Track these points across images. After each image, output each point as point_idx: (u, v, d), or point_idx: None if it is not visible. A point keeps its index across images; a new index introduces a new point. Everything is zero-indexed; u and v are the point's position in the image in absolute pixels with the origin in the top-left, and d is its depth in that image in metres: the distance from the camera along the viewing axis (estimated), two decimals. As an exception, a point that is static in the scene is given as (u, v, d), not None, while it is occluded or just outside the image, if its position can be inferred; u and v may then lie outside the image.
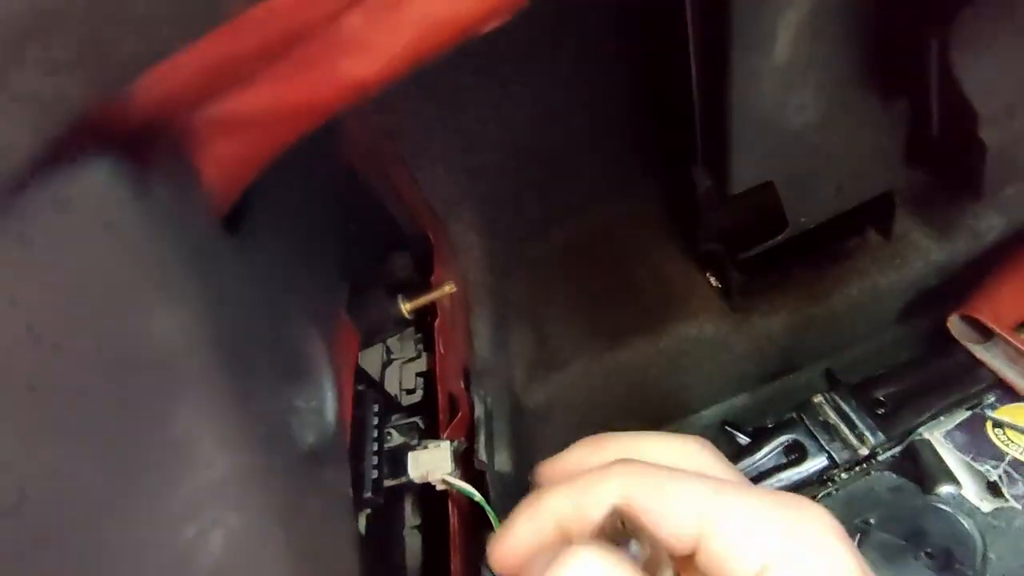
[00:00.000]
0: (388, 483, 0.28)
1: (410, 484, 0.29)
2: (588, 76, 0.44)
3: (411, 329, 0.39)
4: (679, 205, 0.52)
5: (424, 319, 0.38)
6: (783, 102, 0.33)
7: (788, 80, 0.32)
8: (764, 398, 0.62)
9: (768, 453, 0.51)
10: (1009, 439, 0.49)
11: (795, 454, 0.51)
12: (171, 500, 0.10)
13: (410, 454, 0.29)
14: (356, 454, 0.27)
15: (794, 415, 0.51)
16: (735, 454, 0.53)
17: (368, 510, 0.28)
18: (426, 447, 0.29)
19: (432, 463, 0.28)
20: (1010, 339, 0.46)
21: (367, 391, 0.29)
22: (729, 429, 0.61)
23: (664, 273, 0.53)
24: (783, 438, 0.51)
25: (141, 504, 0.10)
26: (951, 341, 0.51)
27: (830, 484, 0.53)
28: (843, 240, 0.54)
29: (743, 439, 0.57)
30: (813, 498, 0.54)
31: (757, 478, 0.51)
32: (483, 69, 0.39)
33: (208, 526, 0.10)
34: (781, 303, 0.53)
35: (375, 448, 0.27)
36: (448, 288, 0.32)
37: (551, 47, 0.41)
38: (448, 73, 0.37)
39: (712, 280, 0.55)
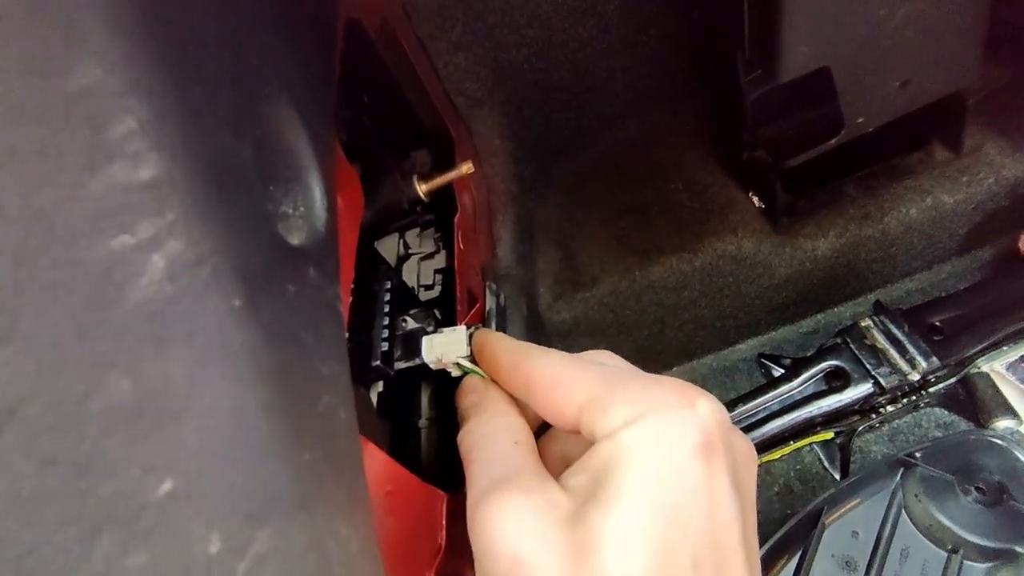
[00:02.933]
0: (400, 365, 0.27)
1: (425, 370, 0.28)
2: None
3: (431, 229, 0.37)
4: (722, 111, 0.48)
5: (444, 216, 0.36)
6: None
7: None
8: (806, 331, 0.58)
9: (807, 380, 0.48)
10: (1081, 370, 0.44)
11: (838, 381, 0.48)
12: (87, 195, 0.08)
13: (424, 338, 0.27)
14: (365, 323, 0.25)
15: (838, 340, 0.48)
16: (770, 384, 0.51)
17: (380, 387, 0.27)
18: (441, 332, 0.28)
19: (446, 346, 0.27)
20: (1093, 257, 0.41)
21: (380, 265, 0.27)
22: (766, 361, 0.58)
23: (702, 188, 0.49)
24: (825, 364, 0.48)
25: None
26: (1020, 264, 0.46)
27: (874, 416, 0.50)
28: (904, 154, 0.49)
29: (779, 371, 0.54)
30: (853, 432, 0.51)
31: (792, 407, 0.48)
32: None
33: (147, 245, 0.09)
34: (830, 224, 0.49)
35: (386, 322, 0.26)
36: (465, 168, 0.30)
37: None
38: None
39: (755, 200, 0.51)
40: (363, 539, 0.13)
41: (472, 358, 0.26)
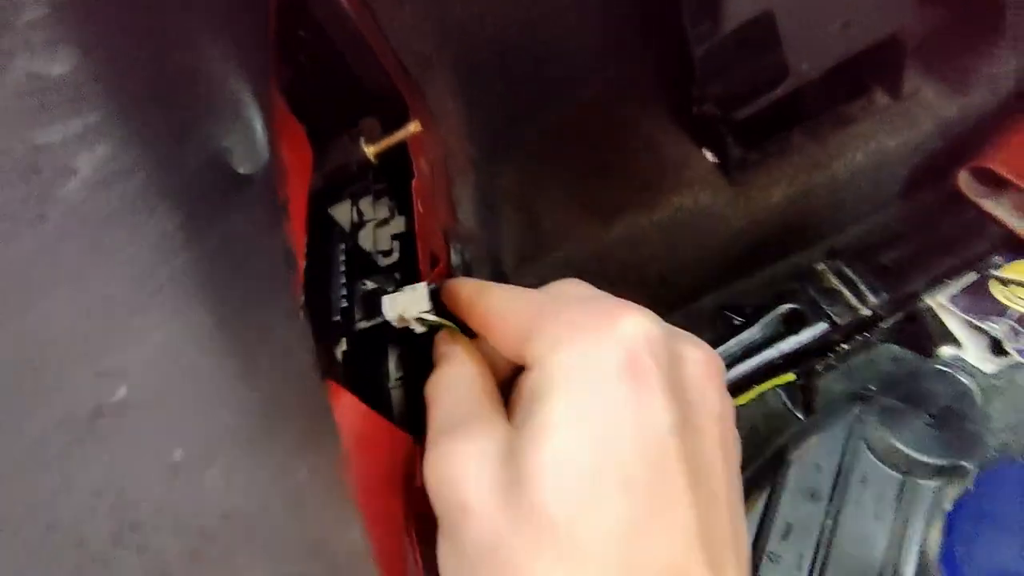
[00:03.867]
0: (363, 325, 0.27)
1: (389, 332, 0.28)
2: None
3: (385, 196, 0.36)
4: (674, 67, 0.49)
5: (398, 182, 0.36)
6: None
7: None
8: (764, 282, 0.60)
9: (766, 325, 0.50)
10: (1014, 295, 0.47)
11: (796, 324, 0.50)
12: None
13: (385, 296, 0.27)
14: (321, 284, 0.25)
15: (795, 284, 0.50)
16: (732, 333, 0.52)
17: (344, 346, 0.27)
18: (402, 290, 0.28)
19: (408, 303, 0.27)
20: (1022, 186, 0.44)
21: (334, 228, 0.27)
22: (728, 313, 0.60)
23: (658, 144, 0.50)
24: (782, 308, 0.49)
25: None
26: (960, 202, 0.49)
27: (830, 355, 0.52)
28: (847, 102, 0.51)
29: (739, 320, 0.56)
30: (812, 370, 0.53)
31: (752, 351, 0.50)
32: None
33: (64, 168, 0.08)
34: (780, 173, 0.51)
35: (343, 281, 0.26)
36: (413, 127, 0.29)
37: None
38: None
39: (708, 155, 0.52)
40: (329, 477, 0.13)
41: (434, 311, 0.27)
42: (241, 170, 0.13)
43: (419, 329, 0.27)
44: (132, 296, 0.09)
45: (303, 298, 0.18)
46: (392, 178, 0.36)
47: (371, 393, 0.30)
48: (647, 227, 0.49)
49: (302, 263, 0.19)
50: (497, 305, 0.21)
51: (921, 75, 0.50)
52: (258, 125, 0.14)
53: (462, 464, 0.17)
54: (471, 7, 0.40)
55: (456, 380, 0.22)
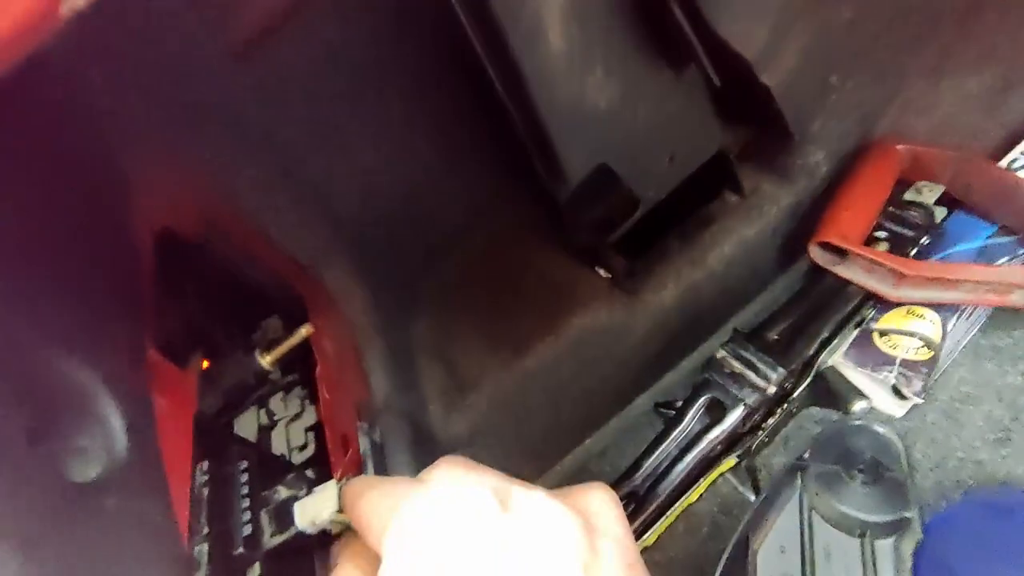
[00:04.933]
0: (276, 540, 0.27)
1: (304, 536, 0.28)
2: (422, 108, 0.47)
3: (297, 388, 0.38)
4: (548, 210, 0.55)
5: (308, 374, 0.38)
6: (580, 86, 0.37)
7: (575, 64, 0.35)
8: (688, 371, 0.63)
9: (692, 419, 0.52)
10: (895, 343, 0.52)
11: (717, 412, 0.52)
12: None
13: (296, 504, 0.27)
14: (223, 511, 0.25)
15: (705, 375, 0.53)
16: (664, 434, 0.54)
17: (257, 570, 0.27)
18: (312, 493, 0.28)
19: (317, 506, 0.27)
20: (860, 252, 0.50)
21: (232, 448, 0.28)
22: (662, 409, 0.62)
23: (550, 274, 0.54)
24: (701, 399, 0.52)
25: None
26: (821, 269, 0.55)
27: (761, 432, 0.55)
28: (704, 205, 0.58)
29: (674, 412, 0.58)
30: (749, 450, 0.55)
31: (688, 447, 0.51)
32: (308, 120, 0.41)
33: None
34: (666, 276, 0.56)
35: (246, 504, 0.26)
36: (304, 331, 0.32)
37: (376, 88, 0.43)
38: (270, 129, 0.39)
39: (601, 272, 0.57)
40: None
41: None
42: (93, 475, 0.14)
43: (336, 531, 0.27)
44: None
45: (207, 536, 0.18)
46: (303, 366, 0.38)
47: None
48: (559, 352, 0.52)
49: (184, 516, 0.20)
50: (365, 508, 0.22)
51: (756, 173, 0.59)
52: (115, 421, 0.16)
53: None
54: (352, 198, 0.45)
55: None
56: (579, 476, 0.61)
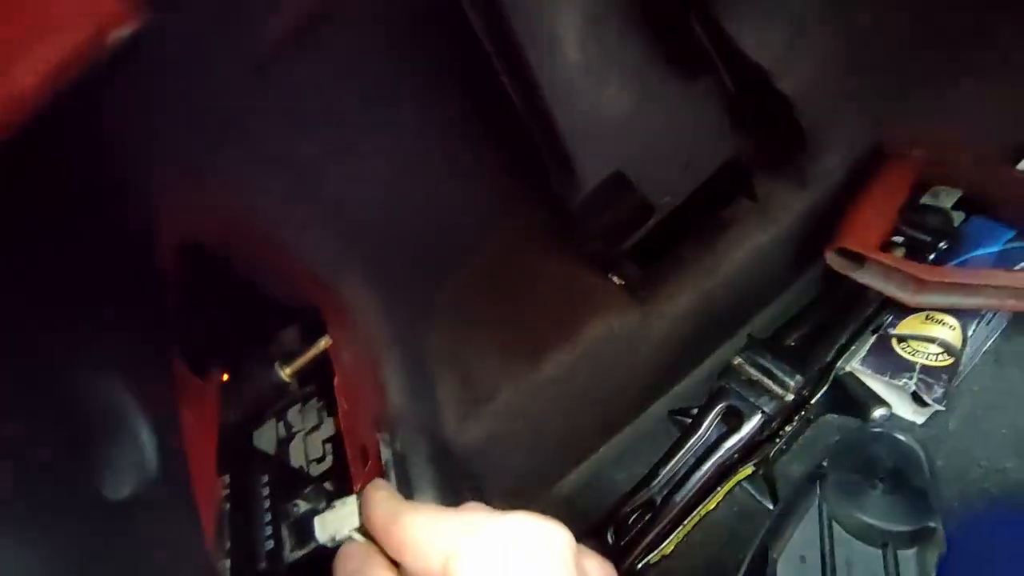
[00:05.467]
0: (296, 555, 0.27)
1: (325, 549, 0.28)
2: (436, 119, 0.47)
3: (314, 400, 0.38)
4: (561, 217, 0.55)
5: (326, 385, 0.38)
6: (596, 96, 0.37)
7: (591, 76, 0.35)
8: (702, 378, 0.63)
9: (709, 427, 0.52)
10: (914, 349, 0.52)
11: (734, 420, 0.52)
12: None
13: (316, 518, 0.27)
14: (246, 526, 0.26)
15: (722, 383, 0.52)
16: (680, 442, 0.54)
17: (277, 585, 0.27)
18: (332, 507, 0.28)
19: (338, 522, 0.27)
20: (878, 258, 0.50)
21: (252, 462, 0.28)
22: (677, 417, 0.61)
23: (564, 282, 0.54)
24: (718, 407, 0.52)
25: None
26: (838, 275, 0.55)
27: (778, 440, 0.54)
28: (717, 212, 0.58)
29: (689, 422, 0.57)
30: (767, 458, 0.54)
31: (705, 456, 0.51)
32: (322, 136, 0.41)
33: None
34: (680, 284, 0.56)
35: (268, 519, 0.26)
36: (324, 343, 0.32)
37: (389, 100, 0.44)
38: (288, 144, 0.39)
39: (615, 279, 0.57)
40: None
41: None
42: (127, 493, 0.14)
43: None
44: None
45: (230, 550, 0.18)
46: (320, 377, 0.38)
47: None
48: (574, 360, 0.52)
49: (214, 513, 0.20)
50: (412, 534, 0.22)
51: (771, 179, 0.59)
52: (146, 438, 0.16)
53: None
54: (368, 212, 0.45)
55: None
56: (594, 484, 0.60)
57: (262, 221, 0.39)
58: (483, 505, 0.24)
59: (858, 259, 0.52)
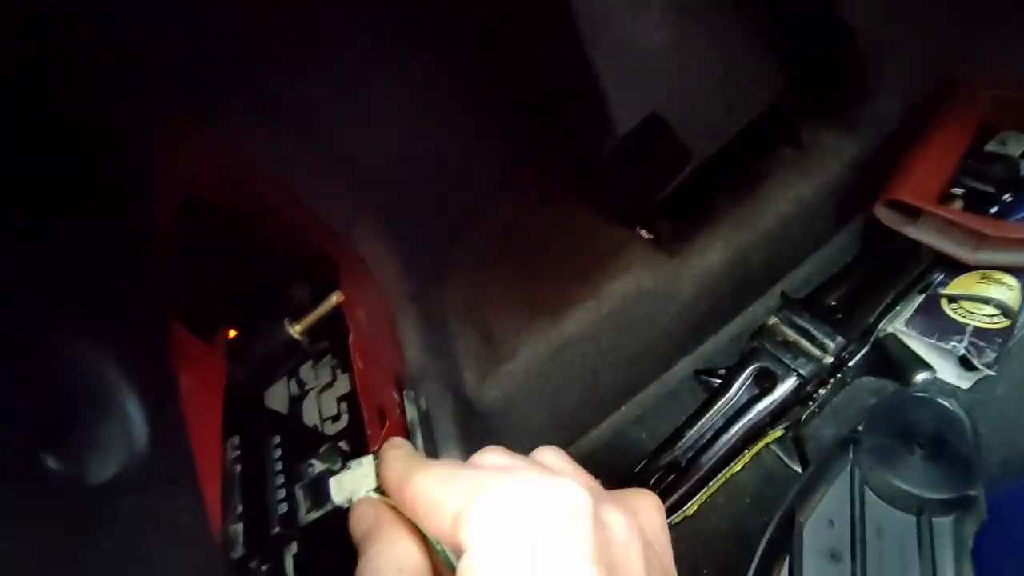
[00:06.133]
0: (312, 516, 0.26)
1: (341, 510, 0.27)
2: (449, 68, 0.43)
3: (327, 356, 0.36)
4: (587, 167, 0.51)
5: (339, 342, 0.36)
6: (633, 22, 0.32)
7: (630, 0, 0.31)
8: (730, 337, 0.60)
9: (740, 389, 0.50)
10: (966, 311, 0.48)
11: (767, 382, 0.50)
12: None
13: (331, 479, 0.26)
14: (258, 490, 0.24)
15: (755, 343, 0.50)
16: (708, 403, 0.52)
17: (294, 548, 0.26)
18: (348, 468, 0.27)
19: (355, 483, 0.26)
20: (936, 211, 0.45)
21: (263, 422, 0.26)
22: (703, 377, 0.59)
23: (588, 237, 0.51)
24: (750, 369, 0.49)
25: None
26: (885, 230, 0.51)
27: (811, 403, 0.52)
28: (756, 162, 0.54)
29: (716, 383, 0.55)
30: (798, 421, 0.52)
31: (734, 417, 0.49)
32: (330, 82, 0.38)
33: None
34: (714, 238, 0.52)
35: (280, 481, 0.25)
36: (335, 298, 0.30)
37: (399, 47, 0.40)
38: (296, 92, 0.36)
39: (643, 233, 0.54)
40: None
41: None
42: (112, 472, 0.13)
43: None
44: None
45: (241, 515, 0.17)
46: (334, 333, 0.36)
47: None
48: (598, 318, 0.49)
49: (215, 495, 0.19)
50: (423, 492, 0.21)
51: (817, 124, 0.54)
52: (132, 408, 0.14)
53: None
54: (380, 164, 0.42)
55: (386, 565, 0.21)
56: (615, 443, 0.59)
57: (270, 172, 0.36)
58: (502, 450, 0.23)
59: (912, 212, 0.48)
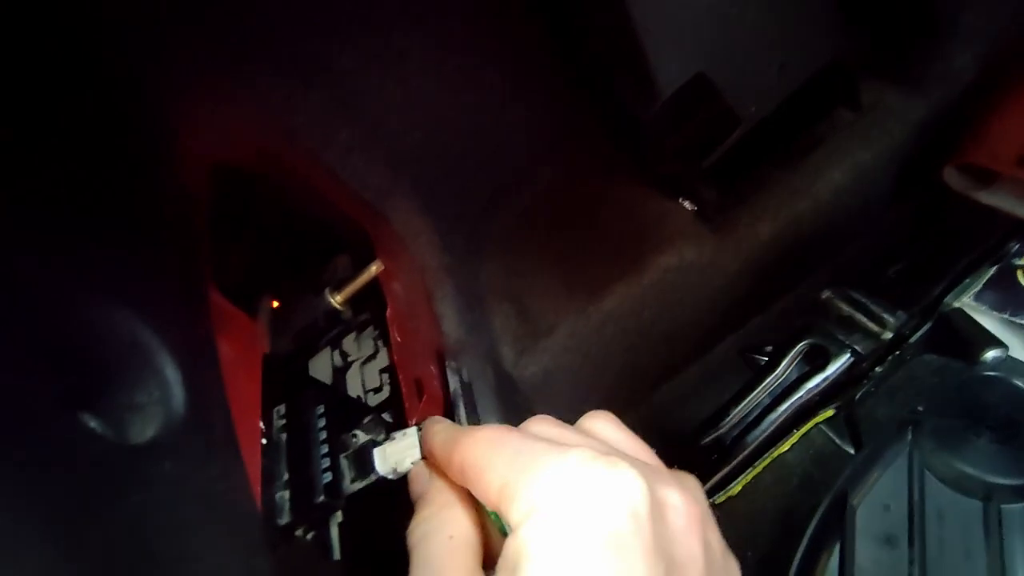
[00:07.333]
0: (357, 486, 0.26)
1: (384, 481, 0.27)
2: (487, 35, 0.42)
3: (369, 328, 0.37)
4: (628, 134, 0.49)
5: (380, 314, 0.36)
6: (679, -23, 0.30)
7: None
8: (778, 315, 0.58)
9: (789, 366, 0.48)
10: (1045, 283, 0.44)
11: (819, 359, 0.47)
12: None
13: (375, 450, 0.27)
14: (303, 459, 0.25)
15: (806, 319, 0.47)
16: (758, 375, 0.50)
17: (339, 517, 0.26)
18: (392, 439, 0.27)
19: (399, 453, 0.26)
20: (1016, 174, 0.42)
21: (308, 392, 0.27)
22: (749, 355, 0.57)
23: (632, 208, 0.49)
24: (800, 346, 0.47)
25: None
26: (952, 198, 0.47)
27: (866, 381, 0.49)
28: (811, 127, 0.50)
29: (763, 360, 0.53)
30: (850, 400, 0.50)
31: (783, 396, 0.47)
32: (364, 48, 0.37)
33: None
34: (762, 208, 0.50)
35: (325, 451, 0.25)
36: (375, 268, 0.29)
37: (435, 9, 0.38)
38: (327, 57, 0.35)
39: (687, 204, 0.51)
40: None
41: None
42: (151, 433, 0.13)
43: None
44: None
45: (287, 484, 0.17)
46: (375, 305, 0.36)
47: (383, 552, 0.28)
48: (639, 293, 0.48)
49: (255, 463, 0.19)
50: (471, 456, 0.20)
51: (879, 84, 0.50)
52: (170, 372, 0.14)
53: None
54: (415, 134, 0.42)
55: (436, 529, 0.21)
56: (656, 423, 0.58)
57: (300, 139, 0.36)
58: (553, 421, 0.22)
59: (986, 177, 0.44)
